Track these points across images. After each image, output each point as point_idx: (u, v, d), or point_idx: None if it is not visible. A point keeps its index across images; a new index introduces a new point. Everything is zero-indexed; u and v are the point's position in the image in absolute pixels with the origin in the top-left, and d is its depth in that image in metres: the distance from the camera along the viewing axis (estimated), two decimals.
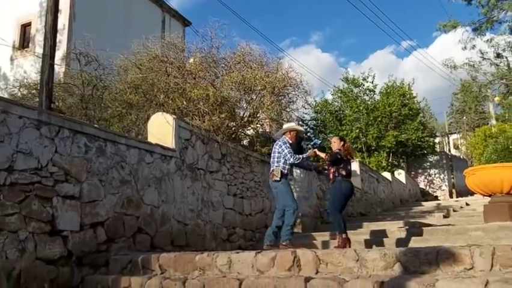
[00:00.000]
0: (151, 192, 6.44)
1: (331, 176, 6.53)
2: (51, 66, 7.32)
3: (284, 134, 6.55)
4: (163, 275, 4.77)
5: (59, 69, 11.52)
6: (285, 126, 6.87)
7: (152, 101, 8.38)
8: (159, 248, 6.29)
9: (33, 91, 10.39)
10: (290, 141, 6.42)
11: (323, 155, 6.59)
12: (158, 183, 6.61)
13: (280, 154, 6.26)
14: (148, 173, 6.45)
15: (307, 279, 3.75)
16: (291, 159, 6.14)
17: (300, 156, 6.25)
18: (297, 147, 6.56)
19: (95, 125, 6.54)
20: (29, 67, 14.06)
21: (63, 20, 15.18)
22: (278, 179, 6.10)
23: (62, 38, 14.88)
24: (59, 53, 12.07)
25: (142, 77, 8.34)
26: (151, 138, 6.90)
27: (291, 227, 5.93)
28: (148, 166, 6.47)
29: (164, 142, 6.87)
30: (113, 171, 5.87)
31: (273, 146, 6.75)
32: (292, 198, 6.02)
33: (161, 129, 6.96)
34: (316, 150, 6.66)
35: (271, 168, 6.33)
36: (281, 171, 6.12)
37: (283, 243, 5.81)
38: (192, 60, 8.99)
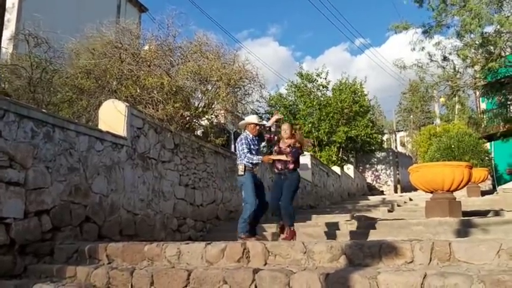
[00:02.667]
0: (100, 180, 6.32)
1: (290, 166, 6.26)
2: None
3: (245, 128, 6.47)
4: (111, 265, 4.71)
5: (7, 50, 10.97)
6: (245, 119, 6.75)
7: (105, 88, 8.16)
8: (107, 237, 6.20)
9: None
10: (250, 135, 6.37)
11: (283, 157, 6.24)
12: (108, 171, 6.49)
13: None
14: (98, 161, 6.32)
15: (255, 271, 3.82)
16: (244, 160, 6.16)
17: (254, 158, 6.17)
18: (258, 140, 6.51)
19: (43, 110, 6.30)
20: None
21: None
22: (242, 173, 6.17)
23: (10, 17, 14.14)
24: (7, 33, 11.47)
25: (95, 62, 8.10)
26: (102, 126, 6.75)
27: (245, 220, 6.02)
28: (97, 154, 6.33)
29: (115, 130, 6.74)
30: (61, 158, 5.71)
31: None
32: (251, 194, 6.06)
33: (113, 116, 6.82)
34: (271, 157, 6.37)
35: (237, 163, 6.36)
36: (245, 166, 6.14)
37: (242, 236, 5.90)
38: (147, 47, 8.81)
